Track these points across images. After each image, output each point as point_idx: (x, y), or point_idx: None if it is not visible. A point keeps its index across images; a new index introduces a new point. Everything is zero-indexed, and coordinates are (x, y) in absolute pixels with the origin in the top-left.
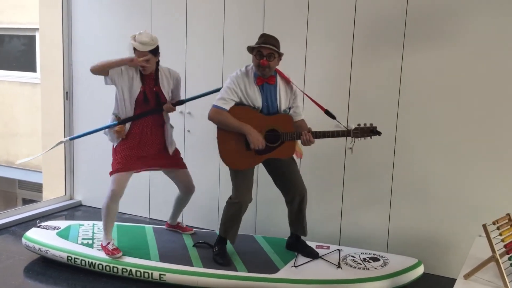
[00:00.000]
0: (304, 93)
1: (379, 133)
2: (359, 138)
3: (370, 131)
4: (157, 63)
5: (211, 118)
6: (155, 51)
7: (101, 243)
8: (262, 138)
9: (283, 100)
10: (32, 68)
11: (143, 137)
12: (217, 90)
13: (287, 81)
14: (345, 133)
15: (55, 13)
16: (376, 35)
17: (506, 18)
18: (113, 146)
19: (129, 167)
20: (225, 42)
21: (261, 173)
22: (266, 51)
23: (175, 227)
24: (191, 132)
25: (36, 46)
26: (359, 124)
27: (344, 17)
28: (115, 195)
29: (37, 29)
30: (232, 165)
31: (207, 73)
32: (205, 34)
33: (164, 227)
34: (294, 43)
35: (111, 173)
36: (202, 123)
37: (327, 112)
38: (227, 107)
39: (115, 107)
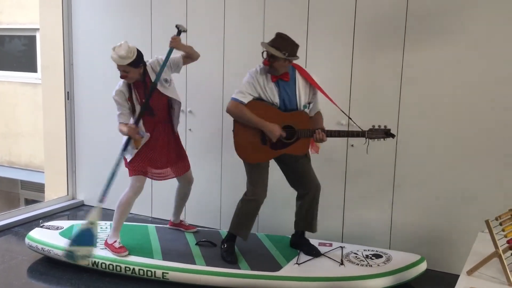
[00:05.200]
0: (326, 94)
1: (392, 135)
2: (372, 139)
3: (384, 133)
4: (145, 72)
5: (229, 111)
6: (135, 63)
7: (105, 241)
8: (278, 127)
9: (302, 96)
10: (33, 69)
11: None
12: None
13: (307, 77)
14: (360, 134)
15: (56, 13)
16: (377, 34)
17: (509, 15)
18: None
19: (146, 172)
20: (225, 42)
21: None
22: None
23: (177, 226)
24: (193, 131)
25: (37, 46)
26: (373, 126)
27: (344, 16)
28: (139, 191)
29: (38, 29)
30: (246, 158)
31: (207, 72)
32: (205, 35)
33: (167, 226)
34: None
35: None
36: (204, 122)
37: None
38: (245, 101)
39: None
